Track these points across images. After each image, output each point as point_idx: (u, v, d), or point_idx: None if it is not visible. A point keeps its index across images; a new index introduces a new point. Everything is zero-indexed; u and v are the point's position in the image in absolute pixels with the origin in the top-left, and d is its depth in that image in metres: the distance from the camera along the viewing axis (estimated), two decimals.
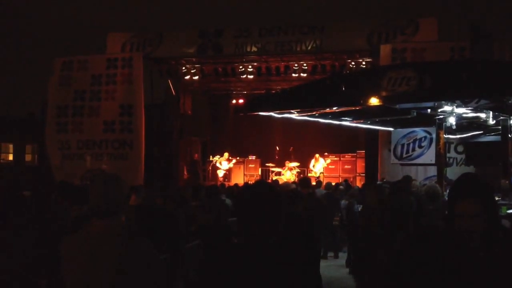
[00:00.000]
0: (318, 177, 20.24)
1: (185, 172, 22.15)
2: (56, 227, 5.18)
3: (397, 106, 11.80)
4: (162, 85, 21.39)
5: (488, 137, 14.88)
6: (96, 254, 2.95)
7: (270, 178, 21.48)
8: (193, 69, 20.32)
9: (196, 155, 23.29)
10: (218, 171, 22.24)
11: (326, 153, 21.51)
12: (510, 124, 12.47)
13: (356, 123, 15.42)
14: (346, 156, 21.83)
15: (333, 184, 14.23)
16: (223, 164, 22.21)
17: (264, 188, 2.85)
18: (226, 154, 22.30)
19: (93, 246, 2.98)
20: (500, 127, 12.57)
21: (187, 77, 20.59)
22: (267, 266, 2.63)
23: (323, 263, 8.87)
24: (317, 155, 21.09)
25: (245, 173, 22.82)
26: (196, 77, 20.65)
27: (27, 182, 19.34)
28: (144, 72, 19.41)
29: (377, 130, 16.59)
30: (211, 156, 23.19)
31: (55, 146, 19.57)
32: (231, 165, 22.26)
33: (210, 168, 22.86)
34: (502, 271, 2.69)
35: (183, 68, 20.40)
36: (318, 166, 20.98)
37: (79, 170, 18.78)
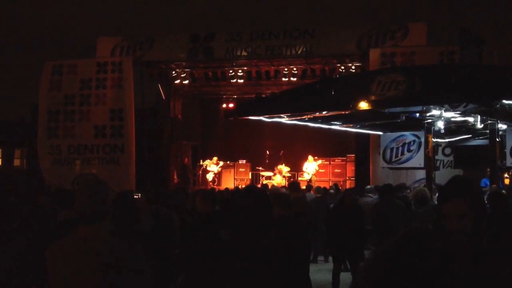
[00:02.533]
0: (310, 180, 20.26)
1: (175, 177, 22.12)
2: (45, 232, 5.17)
3: (386, 110, 11.88)
4: (152, 89, 21.39)
5: (476, 140, 15.00)
6: (82, 260, 2.95)
7: (260, 182, 21.48)
8: (183, 73, 20.32)
9: (186, 159, 23.28)
10: (207, 175, 22.23)
11: (316, 157, 21.57)
12: (498, 128, 12.59)
13: (345, 127, 15.48)
14: (336, 160, 21.91)
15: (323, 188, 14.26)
16: (211, 167, 22.21)
17: (255, 193, 2.87)
18: (214, 158, 22.31)
19: (79, 252, 2.98)
20: (488, 131, 12.68)
21: (177, 81, 20.58)
22: (258, 268, 2.65)
23: (312, 267, 8.88)
24: (310, 157, 21.13)
25: (235, 177, 22.81)
26: (186, 81, 20.65)
27: (16, 187, 19.21)
28: (134, 76, 19.38)
29: (367, 134, 16.66)
30: (201, 160, 23.17)
31: (45, 151, 19.49)
32: (218, 168, 22.25)
33: (200, 172, 22.85)
34: (489, 271, 2.73)
35: (173, 72, 20.39)
36: (311, 167, 21.01)
37: (70, 175, 18.72)
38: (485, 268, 2.71)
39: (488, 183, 12.27)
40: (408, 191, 12.44)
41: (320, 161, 21.44)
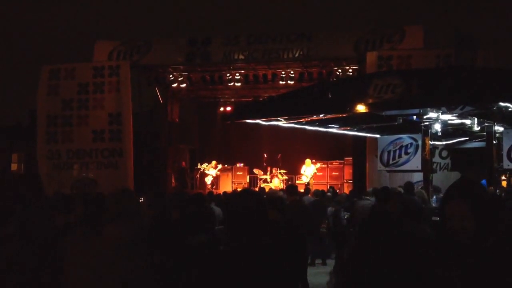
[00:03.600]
0: (308, 183, 20.27)
1: (173, 180, 22.11)
2: (41, 236, 5.17)
3: (383, 113, 11.90)
4: (149, 93, 21.38)
5: (473, 143, 15.02)
6: (108, 256, 3.01)
7: (258, 185, 21.49)
8: (180, 77, 20.32)
9: (184, 163, 23.27)
10: (206, 179, 22.21)
11: (314, 160, 21.57)
12: (494, 131, 12.61)
13: (343, 130, 15.51)
14: (334, 163, 21.91)
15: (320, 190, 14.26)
16: (210, 171, 22.21)
17: (249, 197, 2.88)
18: (213, 162, 22.32)
19: (105, 249, 3.05)
20: (485, 133, 12.71)
21: (175, 85, 20.59)
22: (255, 272, 2.66)
23: (310, 270, 8.88)
24: (307, 160, 21.14)
25: (233, 180, 22.82)
26: (184, 85, 20.66)
27: (13, 192, 19.18)
28: (131, 80, 19.38)
29: (364, 137, 16.68)
30: (199, 164, 23.17)
31: (44, 156, 19.47)
32: (217, 172, 22.26)
33: (198, 176, 22.84)
34: (492, 271, 2.72)
35: (171, 76, 20.39)
36: (309, 170, 21.02)
37: (68, 179, 18.73)
38: (485, 268, 2.72)
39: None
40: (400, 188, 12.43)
41: (318, 165, 21.43)
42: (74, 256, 3.13)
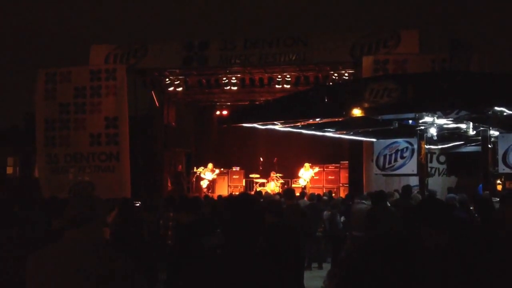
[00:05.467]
0: (304, 187, 20.29)
1: (169, 184, 22.09)
2: (37, 240, 5.18)
3: (379, 117, 11.93)
4: (146, 96, 21.39)
5: (469, 147, 15.07)
6: (66, 263, 2.98)
7: (254, 189, 21.49)
8: (176, 81, 20.34)
9: (180, 167, 23.27)
10: (201, 182, 22.20)
11: (310, 164, 21.60)
12: (490, 135, 12.67)
13: (339, 134, 15.53)
14: (330, 167, 21.94)
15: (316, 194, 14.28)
16: (206, 175, 22.20)
17: (246, 201, 2.90)
18: (210, 165, 22.31)
19: (65, 255, 3.02)
20: (480, 137, 12.76)
21: (171, 88, 20.61)
22: (251, 276, 2.67)
23: (307, 274, 8.90)
24: (306, 164, 21.16)
25: (229, 184, 22.82)
26: (180, 89, 20.67)
27: (11, 195, 19.15)
28: (127, 83, 19.38)
29: (361, 141, 16.70)
30: (195, 168, 23.17)
31: (43, 160, 19.45)
32: (214, 176, 22.26)
33: (194, 180, 22.83)
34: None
35: (167, 79, 20.41)
36: (307, 174, 21.03)
37: (66, 183, 18.72)
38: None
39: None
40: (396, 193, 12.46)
41: (317, 169, 21.45)
42: (43, 263, 3.10)
